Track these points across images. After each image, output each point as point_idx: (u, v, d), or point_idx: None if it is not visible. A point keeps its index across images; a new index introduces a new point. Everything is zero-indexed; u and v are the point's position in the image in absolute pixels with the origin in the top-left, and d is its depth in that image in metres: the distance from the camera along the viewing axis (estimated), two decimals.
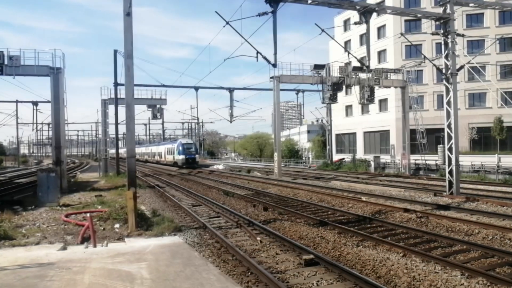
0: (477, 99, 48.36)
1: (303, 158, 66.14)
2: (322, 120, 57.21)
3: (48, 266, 8.20)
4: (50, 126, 34.21)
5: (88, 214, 11.40)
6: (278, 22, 14.49)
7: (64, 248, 9.94)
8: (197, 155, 51.22)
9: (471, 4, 20.21)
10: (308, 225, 12.51)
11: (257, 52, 15.06)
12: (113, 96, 36.29)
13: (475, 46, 46.31)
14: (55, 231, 12.18)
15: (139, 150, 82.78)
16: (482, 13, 47.39)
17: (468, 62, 20.07)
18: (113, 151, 48.89)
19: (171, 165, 53.66)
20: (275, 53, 14.64)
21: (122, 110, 35.92)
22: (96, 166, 51.26)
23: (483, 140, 46.17)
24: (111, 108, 38.65)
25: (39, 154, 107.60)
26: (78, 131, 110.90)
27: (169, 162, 55.59)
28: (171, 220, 12.70)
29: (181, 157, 49.61)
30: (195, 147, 52.95)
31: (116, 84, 35.09)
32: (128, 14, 12.73)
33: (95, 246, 9.99)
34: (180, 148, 50.38)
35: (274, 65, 15.19)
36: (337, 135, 55.87)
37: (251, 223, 12.58)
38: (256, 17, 14.61)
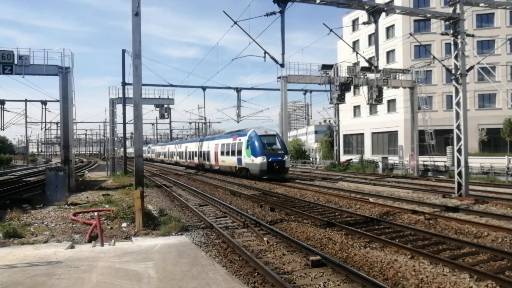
0: (486, 100, 47.87)
1: (311, 159, 65.94)
2: (329, 121, 56.99)
3: (56, 264, 8.26)
4: (59, 125, 34.47)
5: (95, 213, 11.47)
6: (286, 22, 14.43)
7: (72, 247, 10.01)
8: (286, 156, 29.05)
9: (481, 4, 19.99)
10: (315, 226, 12.46)
11: (265, 52, 15.03)
12: (121, 95, 36.50)
13: (485, 46, 45.89)
14: (63, 230, 12.27)
15: (165, 149, 65.49)
16: (493, 13, 46.93)
17: (478, 63, 19.90)
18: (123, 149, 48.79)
19: (232, 172, 33.17)
20: (283, 53, 14.58)
21: (130, 109, 36.19)
22: (104, 165, 51.58)
23: (493, 141, 45.69)
24: (119, 108, 38.90)
25: (48, 153, 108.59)
26: (86, 130, 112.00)
27: (228, 168, 33.77)
28: (178, 220, 12.73)
29: (259, 160, 27.93)
30: (281, 142, 30.18)
31: (124, 84, 35.30)
32: (136, 14, 12.77)
33: (102, 245, 10.04)
34: (256, 143, 28.63)
35: (282, 65, 15.13)
36: (344, 135, 55.65)
37: (258, 223, 12.56)
38: (264, 17, 14.57)
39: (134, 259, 8.59)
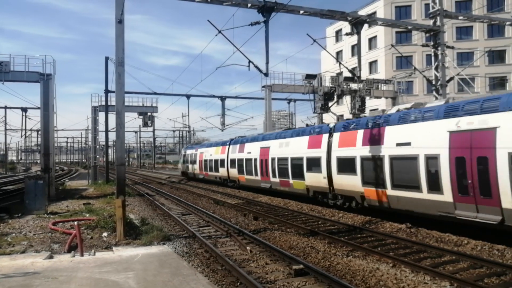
0: None
1: None
2: None
3: (33, 275, 8.05)
4: (39, 132, 33.86)
5: (75, 223, 11.25)
6: (270, 31, 14.60)
7: (50, 257, 9.79)
8: None
9: (461, 17, 20.56)
10: (299, 234, 12.46)
11: (249, 61, 15.06)
12: (103, 103, 36.06)
13: (465, 58, 46.98)
14: (42, 240, 12.00)
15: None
16: (471, 26, 48.18)
17: (458, 74, 20.34)
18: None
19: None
20: (267, 62, 14.68)
21: (112, 117, 35.73)
22: (85, 173, 50.74)
23: None
24: (101, 115, 38.46)
25: (28, 161, 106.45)
26: (67, 138, 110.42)
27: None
28: (160, 229, 12.59)
29: None
30: None
31: (107, 91, 34.88)
32: (120, 22, 12.70)
33: (82, 255, 9.85)
34: None
35: (266, 74, 15.22)
36: None
37: (241, 232, 12.51)
38: (248, 26, 14.66)
39: (114, 269, 8.44)
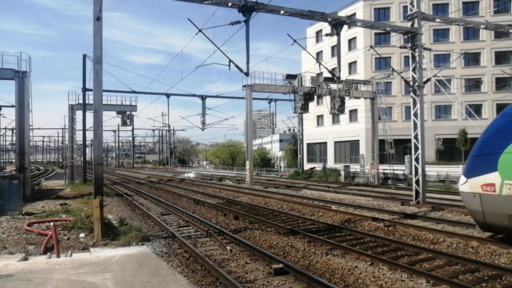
0: (443, 111, 50.04)
1: (275, 167, 66.38)
2: (294, 129, 57.78)
3: (6, 278, 7.84)
4: (14, 131, 33.01)
5: (52, 223, 11.00)
6: (251, 31, 14.62)
7: (25, 259, 9.56)
8: None
9: (438, 20, 20.97)
10: (279, 234, 12.51)
11: (230, 61, 15.05)
12: (81, 101, 35.41)
13: (442, 60, 48.02)
14: (16, 241, 11.70)
15: None
16: (448, 29, 49.30)
17: (435, 75, 20.74)
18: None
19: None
20: (248, 62, 14.70)
21: (90, 116, 35.19)
22: (62, 173, 49.74)
23: (449, 151, 47.73)
24: (79, 114, 37.74)
25: (2, 160, 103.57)
26: (43, 137, 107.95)
27: None
28: (139, 230, 12.44)
29: None
30: None
31: (84, 89, 34.28)
32: (98, 19, 12.49)
33: (58, 256, 9.65)
34: None
35: (247, 74, 15.23)
36: (308, 144, 56.43)
37: (221, 232, 12.47)
38: (229, 25, 14.65)
39: (91, 271, 8.30)
